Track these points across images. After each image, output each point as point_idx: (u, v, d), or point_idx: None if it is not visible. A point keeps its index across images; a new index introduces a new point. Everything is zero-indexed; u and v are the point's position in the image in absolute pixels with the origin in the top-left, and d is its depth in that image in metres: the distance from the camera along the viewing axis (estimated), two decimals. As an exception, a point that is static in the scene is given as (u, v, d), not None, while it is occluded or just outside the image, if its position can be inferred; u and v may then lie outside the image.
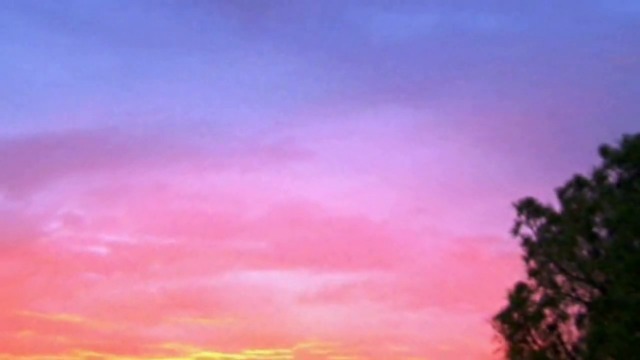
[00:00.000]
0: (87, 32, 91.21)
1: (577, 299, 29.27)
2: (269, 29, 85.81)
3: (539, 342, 29.56)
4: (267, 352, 75.14)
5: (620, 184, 28.15)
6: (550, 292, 29.57)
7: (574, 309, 29.38)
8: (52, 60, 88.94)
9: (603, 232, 28.48)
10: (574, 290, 29.27)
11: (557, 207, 29.77)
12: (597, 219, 28.59)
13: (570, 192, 29.41)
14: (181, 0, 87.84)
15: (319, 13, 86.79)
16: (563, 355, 29.31)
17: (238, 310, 79.56)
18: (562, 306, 29.46)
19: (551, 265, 29.49)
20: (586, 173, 28.97)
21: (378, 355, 77.24)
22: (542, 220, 29.91)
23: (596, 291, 28.61)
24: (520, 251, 30.14)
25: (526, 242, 30.05)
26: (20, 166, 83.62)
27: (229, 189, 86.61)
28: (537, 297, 29.80)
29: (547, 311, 29.55)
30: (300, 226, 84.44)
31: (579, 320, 29.23)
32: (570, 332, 29.36)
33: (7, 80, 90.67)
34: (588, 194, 28.99)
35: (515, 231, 30.23)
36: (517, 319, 29.86)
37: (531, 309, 29.70)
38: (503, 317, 30.02)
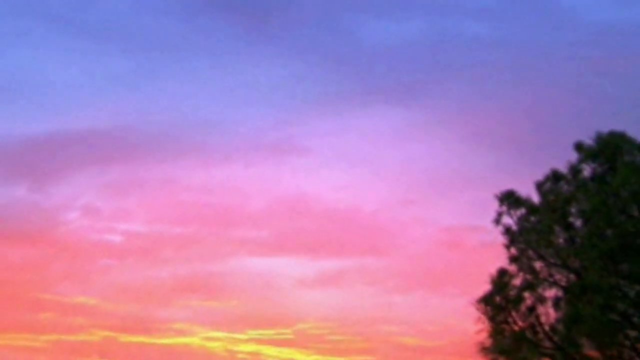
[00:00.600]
0: (103, 38, 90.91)
1: (554, 283, 29.24)
2: (271, 35, 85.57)
3: (519, 323, 29.52)
4: (269, 332, 75.04)
5: (593, 177, 28.11)
6: (529, 277, 29.53)
7: (551, 293, 29.35)
8: (71, 63, 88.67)
9: (578, 222, 28.45)
10: (551, 275, 29.23)
11: (535, 198, 29.75)
12: (573, 209, 28.55)
13: (547, 185, 29.37)
14: (189, 9, 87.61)
15: (316, 20, 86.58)
16: (541, 335, 29.28)
17: (241, 294, 79.45)
18: (540, 290, 29.42)
19: (530, 252, 29.45)
20: (562, 167, 28.95)
21: (370, 334, 77.16)
22: (522, 211, 29.87)
23: (572, 276, 28.59)
24: (502, 239, 30.11)
25: (507, 231, 30.01)
26: (42, 161, 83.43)
27: (233, 182, 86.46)
28: (517, 281, 29.76)
29: (526, 294, 29.51)
30: (299, 216, 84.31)
31: (556, 302, 29.21)
32: (548, 314, 29.32)
33: (29, 82, 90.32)
34: (564, 186, 28.95)
35: (497, 221, 30.18)
36: (498, 301, 29.83)
37: (512, 293, 29.66)
38: (486, 300, 29.99)
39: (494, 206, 30.23)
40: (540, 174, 29.62)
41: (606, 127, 28.13)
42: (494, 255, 30.23)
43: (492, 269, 30.16)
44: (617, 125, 28.01)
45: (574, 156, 28.62)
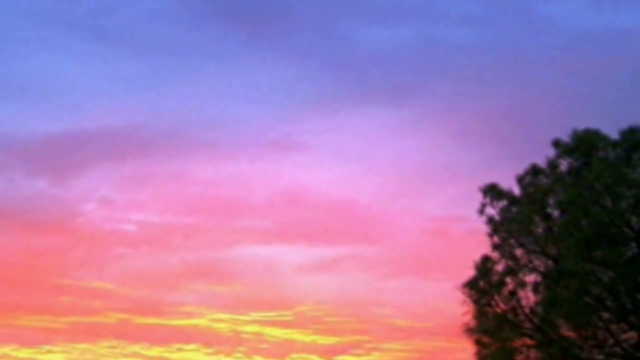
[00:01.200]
0: (119, 44, 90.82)
1: (534, 269, 29.20)
2: (272, 40, 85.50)
3: (501, 305, 29.49)
4: (271, 314, 75.04)
5: (570, 171, 28.08)
6: (510, 263, 29.49)
7: (530, 278, 29.31)
8: (88, 67, 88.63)
9: (555, 213, 28.41)
10: (530, 261, 29.19)
11: (516, 191, 29.70)
12: (551, 201, 28.51)
13: (527, 178, 29.33)
14: (197, 17, 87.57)
15: (314, 27, 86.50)
16: (521, 317, 29.26)
17: (245, 279, 79.47)
18: (520, 275, 29.38)
19: (511, 241, 29.42)
20: (541, 162, 28.88)
21: (364, 316, 77.21)
22: (504, 202, 29.84)
23: (550, 262, 28.56)
24: (485, 228, 30.07)
25: (490, 221, 29.98)
26: (62, 157, 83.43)
27: (238, 176, 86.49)
28: (499, 267, 29.71)
29: (508, 279, 29.48)
30: (298, 208, 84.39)
31: (535, 287, 29.18)
32: (528, 297, 29.29)
33: (51, 84, 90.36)
34: (543, 180, 28.91)
35: (481, 211, 30.14)
36: (482, 286, 29.80)
37: (494, 278, 29.63)
38: (471, 285, 29.97)
39: (478, 198, 30.22)
40: (520, 168, 29.61)
41: (581, 125, 28.13)
42: (478, 243, 30.23)
43: (477, 256, 30.16)
44: (592, 123, 28.01)
45: (551, 152, 28.60)
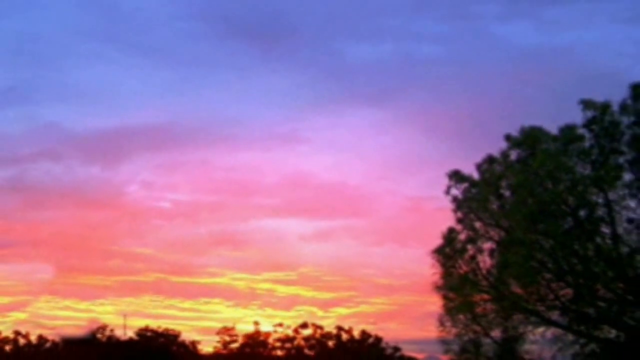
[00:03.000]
0: (156, 57, 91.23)
1: (490, 238, 29.09)
2: (280, 54, 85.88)
3: (464, 268, 29.41)
4: (279, 274, 75.52)
5: (518, 160, 27.90)
6: (471, 233, 29.39)
7: (487, 245, 29.22)
8: (131, 76, 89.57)
9: (507, 193, 28.25)
10: (487, 232, 29.08)
11: (476, 176, 29.55)
12: (503, 184, 28.36)
13: (484, 165, 29.17)
14: (220, 35, 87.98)
15: (314, 43, 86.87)
16: (480, 277, 29.18)
17: (259, 246, 79.94)
18: (479, 243, 29.29)
19: (472, 215, 29.30)
20: (495, 153, 28.72)
21: (354, 276, 77.67)
22: (466, 185, 29.68)
23: (502, 233, 28.42)
24: (451, 206, 29.96)
25: (455, 199, 29.84)
26: (111, 148, 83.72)
27: (253, 163, 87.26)
28: (462, 237, 29.63)
29: (469, 247, 29.39)
30: (301, 188, 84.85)
31: (491, 253, 29.08)
32: (485, 261, 29.22)
33: (102, 90, 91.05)
34: (497, 167, 28.74)
35: (447, 192, 30.01)
36: (448, 252, 29.73)
37: (458, 245, 29.55)
38: (439, 251, 29.90)
39: (445, 181, 30.10)
40: (479, 157, 29.48)
41: (528, 122, 28.00)
42: (445, 217, 30.20)
43: (444, 228, 30.12)
44: (536, 121, 27.89)
45: (504, 144, 28.40)
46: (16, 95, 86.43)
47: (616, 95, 25.65)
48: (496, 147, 28.54)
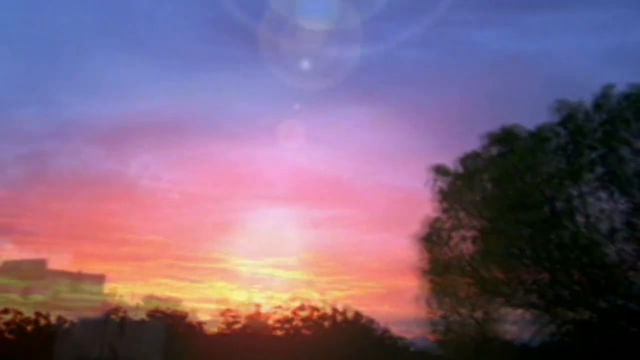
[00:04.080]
0: (166, 59, 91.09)
1: (473, 227, 28.94)
2: (280, 59, 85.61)
3: (449, 254, 29.28)
4: (279, 259, 75.22)
5: (499, 155, 27.84)
6: (455, 222, 29.27)
7: (470, 234, 29.07)
8: (146, 77, 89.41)
9: (489, 186, 28.18)
10: (470, 221, 28.94)
11: (460, 169, 29.42)
12: (485, 177, 28.29)
13: (468, 160, 29.05)
14: (226, 41, 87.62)
15: (309, 49, 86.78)
16: (464, 263, 29.05)
17: (260, 233, 79.59)
18: (463, 232, 29.15)
19: (456, 206, 29.18)
20: (478, 148, 28.62)
21: (347, 262, 77.43)
22: (451, 178, 29.57)
23: (485, 222, 28.31)
24: (437, 197, 29.82)
25: (440, 191, 29.70)
26: (124, 143, 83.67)
27: (255, 157, 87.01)
28: (447, 225, 29.47)
29: (454, 234, 29.25)
30: (300, 180, 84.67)
31: (474, 240, 28.91)
32: (469, 248, 29.03)
33: (117, 89, 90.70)
34: (479, 161, 28.64)
35: (431, 185, 29.91)
36: (435, 239, 29.59)
37: (444, 234, 29.40)
38: (426, 239, 29.76)
39: (431, 174, 29.95)
40: (462, 152, 29.36)
41: (508, 120, 27.99)
42: (431, 207, 30.04)
43: (431, 217, 29.97)
44: (516, 119, 27.86)
45: (485, 141, 28.33)
46: (35, 91, 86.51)
47: (588, 96, 25.70)
48: (478, 143, 28.47)
